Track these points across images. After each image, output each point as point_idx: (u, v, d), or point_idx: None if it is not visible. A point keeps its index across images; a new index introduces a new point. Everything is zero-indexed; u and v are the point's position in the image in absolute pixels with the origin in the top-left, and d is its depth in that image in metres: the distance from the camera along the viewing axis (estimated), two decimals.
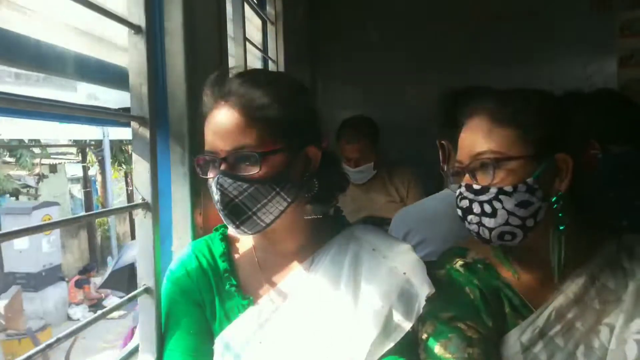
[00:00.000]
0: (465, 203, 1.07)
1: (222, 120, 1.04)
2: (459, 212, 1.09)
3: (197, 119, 1.39)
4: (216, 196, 1.03)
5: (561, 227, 1.05)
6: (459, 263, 1.16)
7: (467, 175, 1.07)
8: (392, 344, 1.04)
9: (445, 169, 1.74)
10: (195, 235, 1.37)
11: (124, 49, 1.25)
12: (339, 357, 1.04)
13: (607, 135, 1.56)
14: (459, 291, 1.11)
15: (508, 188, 1.02)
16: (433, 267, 1.17)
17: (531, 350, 1.05)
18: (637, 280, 1.07)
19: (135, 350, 1.21)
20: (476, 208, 1.05)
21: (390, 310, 1.06)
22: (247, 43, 2.08)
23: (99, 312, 1.02)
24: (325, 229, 1.19)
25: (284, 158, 1.05)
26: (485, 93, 1.15)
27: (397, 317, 1.05)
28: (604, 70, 3.34)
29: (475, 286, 1.11)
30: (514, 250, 1.12)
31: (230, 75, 1.10)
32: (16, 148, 11.11)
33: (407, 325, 1.05)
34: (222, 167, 1.03)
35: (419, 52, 3.51)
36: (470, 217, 1.07)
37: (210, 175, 1.06)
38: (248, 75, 1.11)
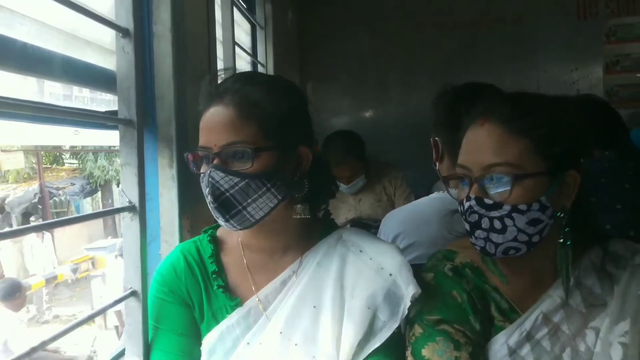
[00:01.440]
0: (474, 217, 1.03)
1: (216, 116, 1.05)
2: (466, 225, 1.05)
3: (185, 121, 1.40)
4: (207, 189, 1.04)
5: (568, 243, 1.03)
6: (447, 266, 1.15)
7: (475, 186, 1.03)
8: (378, 344, 1.05)
9: (438, 167, 1.73)
10: (183, 239, 1.36)
11: (111, 52, 1.25)
12: (325, 358, 1.05)
13: (589, 140, 1.57)
14: (447, 294, 1.11)
15: (522, 206, 0.99)
16: (422, 270, 1.17)
17: (518, 354, 1.05)
18: (622, 284, 1.07)
19: (121, 354, 1.21)
20: (485, 223, 1.02)
21: (376, 310, 1.06)
22: (236, 47, 2.08)
23: (89, 314, 1.01)
24: (314, 230, 1.20)
25: (276, 155, 1.06)
26: (495, 96, 1.10)
27: (383, 317, 1.06)
28: (590, 76, 3.39)
29: (463, 289, 1.11)
30: None
31: (224, 75, 1.11)
32: None
33: (393, 326, 1.06)
34: (215, 161, 1.04)
35: (408, 56, 3.54)
36: (478, 232, 1.03)
37: (203, 170, 1.07)
38: (243, 75, 1.12)
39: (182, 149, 1.37)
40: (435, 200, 1.71)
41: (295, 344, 1.07)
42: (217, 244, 1.20)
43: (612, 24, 3.34)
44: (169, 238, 1.35)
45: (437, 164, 1.68)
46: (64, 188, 12.85)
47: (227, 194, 1.03)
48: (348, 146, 2.66)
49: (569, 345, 1.05)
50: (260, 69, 2.62)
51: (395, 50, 3.56)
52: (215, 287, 1.13)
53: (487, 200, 1.02)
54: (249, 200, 1.04)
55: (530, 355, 1.05)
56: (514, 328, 1.07)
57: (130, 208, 1.11)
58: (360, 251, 1.14)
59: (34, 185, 12.08)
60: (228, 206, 1.04)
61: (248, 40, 2.59)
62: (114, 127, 1.16)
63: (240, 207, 1.04)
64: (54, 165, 14.85)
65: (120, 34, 1.08)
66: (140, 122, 1.12)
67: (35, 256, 10.27)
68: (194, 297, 1.14)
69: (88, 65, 1.15)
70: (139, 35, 1.13)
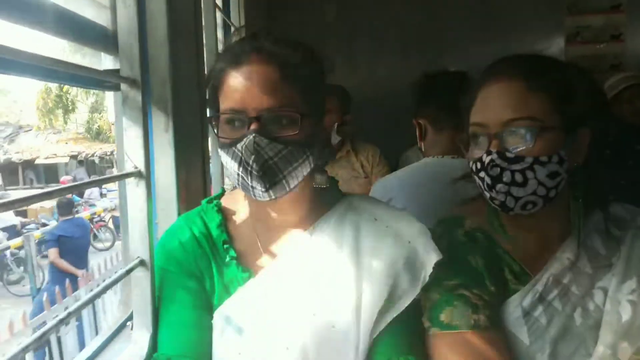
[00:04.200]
0: (496, 171, 1.04)
1: (256, 77, 0.97)
2: (487, 179, 1.06)
3: (179, 84, 1.33)
4: (251, 156, 0.96)
5: (580, 199, 1.08)
6: (459, 232, 1.16)
7: (495, 141, 1.04)
8: (398, 312, 1.04)
9: (423, 148, 1.77)
10: (180, 208, 1.31)
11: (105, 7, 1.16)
12: (345, 327, 1.03)
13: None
14: (463, 259, 1.12)
15: (544, 158, 1.02)
16: (434, 237, 1.17)
17: (532, 315, 1.08)
18: (627, 245, 1.11)
19: (123, 326, 1.16)
20: (507, 177, 1.03)
21: (396, 278, 1.05)
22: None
23: (97, 289, 0.95)
24: (323, 199, 1.16)
25: (314, 121, 1.03)
26: (510, 56, 1.11)
27: (404, 285, 1.05)
28: (553, 47, 3.46)
29: (478, 254, 1.12)
30: (510, 218, 1.14)
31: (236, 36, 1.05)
32: None
33: (414, 293, 1.05)
34: (254, 126, 0.96)
35: (374, 27, 3.51)
36: (499, 186, 1.04)
37: (234, 135, 0.99)
38: (276, 35, 1.04)
39: (177, 113, 1.30)
40: (425, 165, 1.72)
41: (314, 314, 1.04)
42: (223, 213, 1.15)
43: None
44: (166, 206, 1.28)
45: (421, 142, 1.74)
46: None
47: (271, 162, 0.97)
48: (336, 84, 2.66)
49: (579, 305, 1.09)
50: (233, 30, 2.53)
51: (361, 22, 3.51)
52: (227, 259, 1.09)
53: (508, 154, 1.03)
54: (290, 169, 1.00)
55: (543, 315, 1.08)
56: (527, 290, 1.09)
57: (136, 173, 1.04)
58: (375, 219, 1.12)
59: None
60: (271, 175, 0.98)
61: (220, 2, 2.48)
62: (113, 88, 1.08)
63: (281, 176, 0.99)
64: None
65: None
66: (145, 82, 1.05)
67: None
68: (203, 270, 1.09)
69: (86, 21, 1.06)
70: None
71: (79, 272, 6.20)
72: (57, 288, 4.75)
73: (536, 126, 1.02)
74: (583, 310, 1.08)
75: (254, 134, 0.95)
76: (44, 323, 4.13)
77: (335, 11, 3.53)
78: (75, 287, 5.04)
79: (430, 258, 1.05)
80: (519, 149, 1.03)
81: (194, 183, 1.49)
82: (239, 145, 0.97)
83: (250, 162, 0.96)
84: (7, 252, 9.79)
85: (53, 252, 6.44)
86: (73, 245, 6.61)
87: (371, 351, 1.03)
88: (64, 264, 6.36)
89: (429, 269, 1.05)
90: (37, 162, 22.10)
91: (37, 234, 9.67)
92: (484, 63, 1.16)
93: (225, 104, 1.00)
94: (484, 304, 1.07)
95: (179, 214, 1.26)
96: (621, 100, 2.79)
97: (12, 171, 22.06)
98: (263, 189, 1.00)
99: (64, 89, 22.98)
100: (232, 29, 2.51)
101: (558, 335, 1.06)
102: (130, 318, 1.19)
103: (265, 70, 0.97)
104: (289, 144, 0.98)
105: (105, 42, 1.11)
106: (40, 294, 5.94)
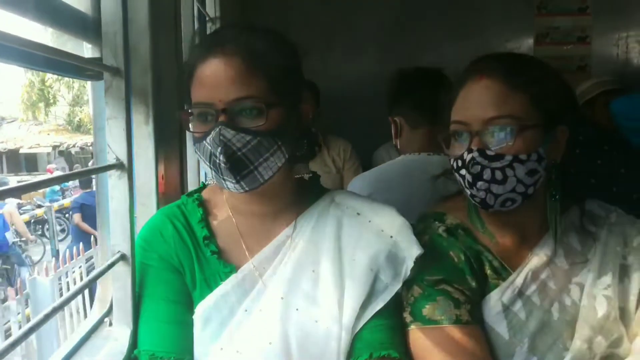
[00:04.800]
0: (476, 169, 1.05)
1: (222, 69, 0.97)
2: (468, 177, 1.07)
3: (161, 74, 1.30)
4: (217, 149, 0.96)
5: (557, 196, 1.10)
6: (440, 228, 1.17)
7: (476, 139, 1.06)
8: (380, 306, 1.04)
9: (399, 146, 1.78)
10: (160, 201, 1.28)
11: None
12: (327, 321, 1.03)
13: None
14: (444, 255, 1.13)
15: (523, 156, 1.04)
16: (415, 232, 1.17)
17: (511, 310, 1.10)
18: (602, 242, 1.15)
19: (101, 321, 1.13)
20: (487, 174, 1.05)
21: (378, 272, 1.06)
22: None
23: (81, 283, 0.92)
24: (305, 193, 1.16)
25: (285, 111, 1.02)
26: (490, 55, 1.13)
27: (386, 279, 1.06)
28: (523, 47, 3.52)
29: (459, 250, 1.13)
30: (490, 214, 1.16)
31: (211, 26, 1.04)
32: None
33: (396, 287, 1.06)
34: (221, 118, 0.96)
35: (352, 24, 3.50)
36: (479, 183, 1.06)
37: (204, 129, 0.99)
38: (243, 25, 1.04)
39: (158, 104, 1.27)
40: (402, 162, 1.74)
41: (297, 309, 1.04)
42: (205, 208, 1.14)
43: None
44: (145, 200, 1.25)
45: (397, 142, 1.76)
46: None
47: (239, 153, 0.97)
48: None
49: (557, 300, 1.11)
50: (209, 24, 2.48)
51: (337, 17, 3.50)
52: (208, 254, 1.08)
53: (489, 152, 1.05)
54: (261, 160, 0.99)
55: (522, 310, 1.10)
56: (506, 285, 1.12)
57: (119, 165, 1.02)
58: (358, 214, 1.12)
59: None
60: (240, 166, 0.98)
61: None
62: (94, 77, 1.05)
63: (252, 167, 0.99)
64: None
65: None
66: (128, 71, 1.02)
67: None
68: (184, 264, 1.07)
69: (66, 6, 1.02)
70: None
71: (97, 233, 7.35)
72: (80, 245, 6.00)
73: (516, 124, 1.04)
74: (560, 305, 1.11)
75: (220, 126, 0.96)
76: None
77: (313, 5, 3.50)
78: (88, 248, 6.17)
79: (411, 252, 1.06)
80: (499, 147, 1.05)
81: (172, 177, 1.46)
82: (207, 139, 0.97)
83: (218, 154, 0.96)
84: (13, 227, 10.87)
85: (77, 217, 7.82)
86: (92, 212, 7.66)
87: (353, 346, 1.04)
88: (86, 227, 7.64)
89: (410, 263, 1.06)
90: (21, 151, 23.91)
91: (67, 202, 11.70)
92: (457, 61, 1.19)
93: (194, 98, 1.01)
94: (466, 299, 1.08)
95: (158, 208, 1.23)
96: (595, 105, 2.86)
97: None
98: (234, 181, 1.00)
99: (47, 84, 24.14)
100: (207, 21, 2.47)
101: (536, 329, 1.09)
102: (107, 314, 1.17)
103: (230, 61, 0.97)
104: (257, 134, 0.98)
105: (86, 29, 1.07)
106: (69, 248, 7.11)
